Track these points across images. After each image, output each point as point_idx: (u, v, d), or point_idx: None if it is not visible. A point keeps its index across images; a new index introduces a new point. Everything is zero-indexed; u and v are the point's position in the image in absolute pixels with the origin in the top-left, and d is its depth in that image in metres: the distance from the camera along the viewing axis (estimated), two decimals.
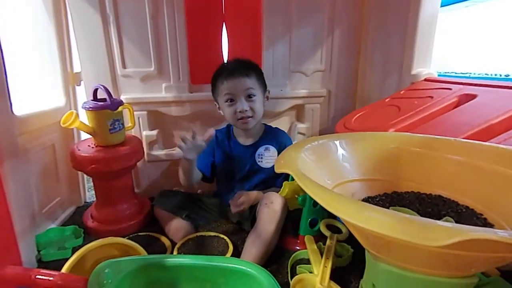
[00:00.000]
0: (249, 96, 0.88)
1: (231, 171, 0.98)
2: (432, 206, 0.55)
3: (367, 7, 1.14)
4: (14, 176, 0.70)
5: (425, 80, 0.98)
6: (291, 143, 0.98)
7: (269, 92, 0.97)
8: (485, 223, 0.48)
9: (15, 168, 0.71)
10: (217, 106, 0.95)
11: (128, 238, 0.79)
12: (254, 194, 0.89)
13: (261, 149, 0.95)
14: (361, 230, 0.43)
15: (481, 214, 0.50)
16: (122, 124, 0.92)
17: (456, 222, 0.49)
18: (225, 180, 1.00)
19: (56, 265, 0.74)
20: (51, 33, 0.94)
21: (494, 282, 0.55)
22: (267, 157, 0.94)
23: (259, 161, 0.94)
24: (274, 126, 1.03)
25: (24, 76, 0.94)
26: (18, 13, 0.90)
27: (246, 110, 0.87)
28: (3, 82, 0.68)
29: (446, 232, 0.29)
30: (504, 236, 0.28)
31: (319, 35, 1.15)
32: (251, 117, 0.89)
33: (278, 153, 0.93)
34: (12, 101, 0.72)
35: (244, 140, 0.98)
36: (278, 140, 0.96)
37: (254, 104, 0.89)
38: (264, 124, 1.02)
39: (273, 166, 0.91)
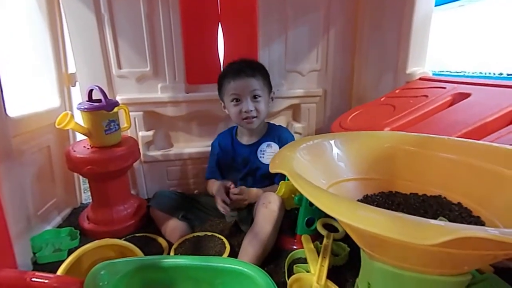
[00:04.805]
0: (255, 97, 0.90)
1: (234, 169, 0.99)
2: (426, 205, 0.55)
3: (362, 6, 1.14)
4: (9, 178, 0.70)
5: (420, 79, 0.99)
6: (293, 139, 0.99)
7: (273, 93, 0.98)
8: (478, 221, 0.49)
9: (10, 170, 0.71)
10: (223, 105, 0.97)
11: (124, 239, 0.78)
12: (253, 192, 0.90)
13: (263, 145, 0.96)
14: (356, 229, 0.43)
15: (474, 212, 0.51)
16: (118, 125, 0.91)
17: (450, 220, 0.50)
18: (227, 178, 1.00)
19: (52, 267, 0.74)
20: (45, 34, 0.93)
21: (488, 279, 0.56)
22: (269, 153, 0.95)
23: (260, 157, 0.95)
24: (277, 124, 1.04)
25: (18, 77, 0.93)
26: (11, 13, 0.89)
27: (251, 110, 0.89)
28: None
29: (438, 231, 0.29)
30: (495, 234, 0.28)
31: (314, 34, 1.15)
32: (256, 117, 0.91)
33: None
34: (6, 103, 0.71)
35: (248, 139, 0.99)
36: (280, 136, 0.97)
37: (259, 104, 0.90)
38: (268, 122, 1.04)
39: None
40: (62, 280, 0.54)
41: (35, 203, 0.88)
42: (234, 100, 0.91)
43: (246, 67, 0.90)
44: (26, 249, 0.78)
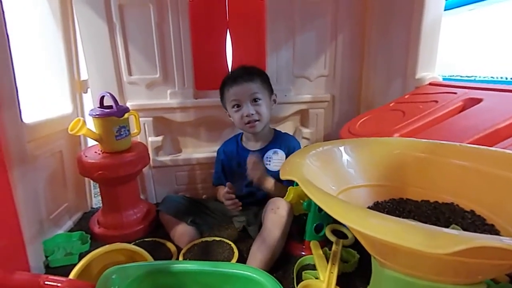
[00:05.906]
0: (255, 100, 0.91)
1: (240, 176, 0.98)
2: (438, 212, 0.54)
3: (371, 12, 1.14)
4: (23, 183, 0.72)
5: (430, 84, 0.98)
6: (300, 147, 0.99)
7: (276, 96, 0.99)
8: (492, 230, 0.48)
9: (24, 174, 0.72)
10: (227, 113, 0.98)
11: (134, 244, 0.79)
12: (269, 178, 0.90)
13: (269, 152, 0.96)
14: (367, 237, 0.43)
15: (488, 220, 0.50)
16: (128, 130, 0.93)
17: (463, 228, 0.49)
18: (233, 184, 1.00)
19: (63, 271, 0.75)
20: (59, 42, 0.96)
21: None
22: (275, 160, 0.95)
23: (267, 164, 0.95)
24: (283, 131, 1.04)
25: (33, 84, 0.96)
26: (26, 21, 0.92)
27: (252, 114, 0.90)
28: (13, 91, 0.69)
29: (452, 240, 0.29)
30: (511, 244, 0.27)
31: (322, 40, 1.15)
32: (258, 120, 0.92)
33: (287, 157, 0.93)
34: (22, 109, 0.73)
35: (254, 145, 0.99)
36: (287, 144, 0.97)
37: (260, 108, 0.91)
38: (274, 128, 1.04)
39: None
40: (74, 284, 0.55)
41: (48, 207, 0.90)
42: (235, 106, 0.92)
43: (243, 73, 0.92)
44: (39, 252, 0.79)
